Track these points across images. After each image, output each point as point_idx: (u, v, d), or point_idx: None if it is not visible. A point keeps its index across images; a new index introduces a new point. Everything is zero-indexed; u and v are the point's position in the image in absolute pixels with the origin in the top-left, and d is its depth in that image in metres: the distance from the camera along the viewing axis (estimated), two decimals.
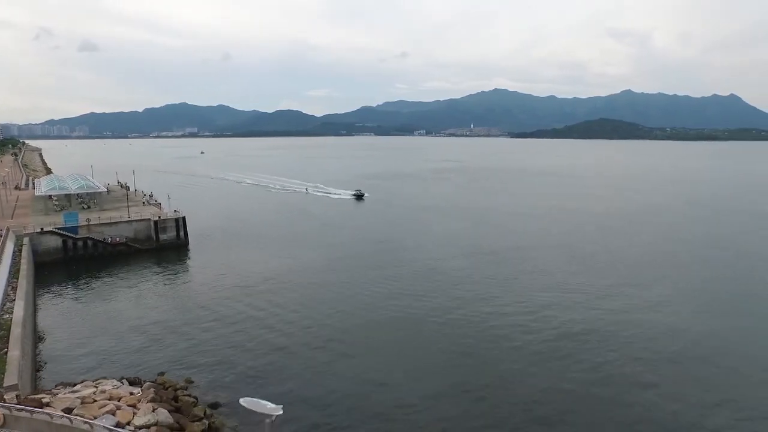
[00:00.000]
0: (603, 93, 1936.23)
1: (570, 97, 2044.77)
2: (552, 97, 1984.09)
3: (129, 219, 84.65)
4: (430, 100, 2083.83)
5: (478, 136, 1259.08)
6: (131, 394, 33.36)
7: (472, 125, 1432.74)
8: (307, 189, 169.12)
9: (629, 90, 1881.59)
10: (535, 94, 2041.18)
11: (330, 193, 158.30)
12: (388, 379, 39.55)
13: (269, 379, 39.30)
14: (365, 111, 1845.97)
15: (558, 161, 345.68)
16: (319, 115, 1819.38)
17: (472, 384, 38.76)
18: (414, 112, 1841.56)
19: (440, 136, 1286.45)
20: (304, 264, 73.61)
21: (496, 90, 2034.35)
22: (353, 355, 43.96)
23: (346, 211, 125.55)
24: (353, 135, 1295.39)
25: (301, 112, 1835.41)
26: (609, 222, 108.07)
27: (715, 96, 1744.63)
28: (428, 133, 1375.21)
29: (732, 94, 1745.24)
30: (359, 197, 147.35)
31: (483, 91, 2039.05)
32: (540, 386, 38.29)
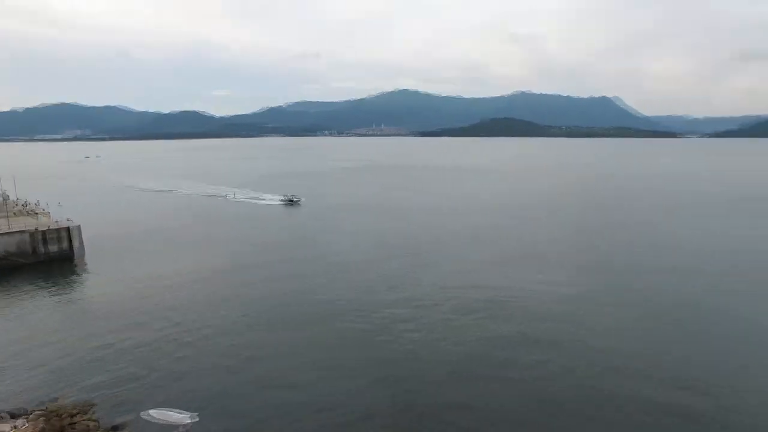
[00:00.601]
0: (504, 93, 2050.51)
1: (473, 97, 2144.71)
2: (456, 97, 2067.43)
3: (7, 231, 75.26)
4: (338, 100, 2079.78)
5: (386, 135, 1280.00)
6: (14, 428, 29.37)
7: (382, 125, 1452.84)
8: (234, 194, 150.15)
9: (528, 91, 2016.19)
10: (440, 94, 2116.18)
11: (255, 198, 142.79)
12: (301, 381, 38.25)
13: (178, 392, 36.08)
14: (272, 112, 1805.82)
15: (467, 159, 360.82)
16: (223, 115, 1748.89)
17: (388, 383, 38.52)
18: (321, 113, 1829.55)
19: (348, 135, 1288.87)
20: (210, 272, 69.69)
21: (402, 90, 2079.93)
22: (264, 359, 42.01)
23: (265, 216, 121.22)
24: (260, 136, 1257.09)
25: (203, 113, 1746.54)
26: (525, 214, 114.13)
27: (602, 97, 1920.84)
28: (338, 133, 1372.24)
29: (615, 96, 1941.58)
30: (291, 203, 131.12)
31: (390, 91, 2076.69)
32: (464, 385, 39.03)
